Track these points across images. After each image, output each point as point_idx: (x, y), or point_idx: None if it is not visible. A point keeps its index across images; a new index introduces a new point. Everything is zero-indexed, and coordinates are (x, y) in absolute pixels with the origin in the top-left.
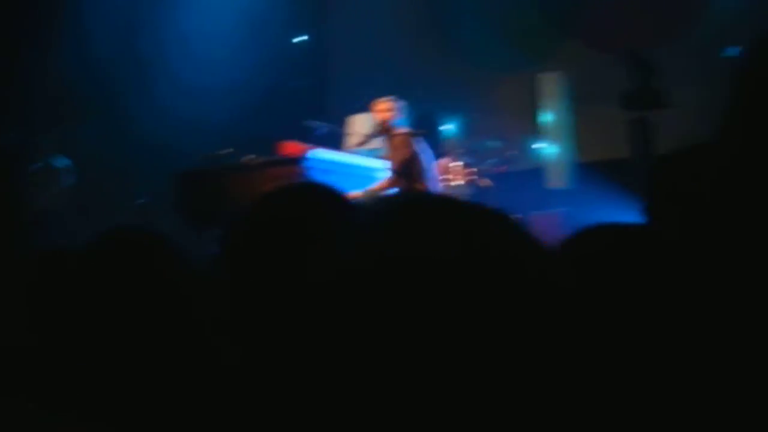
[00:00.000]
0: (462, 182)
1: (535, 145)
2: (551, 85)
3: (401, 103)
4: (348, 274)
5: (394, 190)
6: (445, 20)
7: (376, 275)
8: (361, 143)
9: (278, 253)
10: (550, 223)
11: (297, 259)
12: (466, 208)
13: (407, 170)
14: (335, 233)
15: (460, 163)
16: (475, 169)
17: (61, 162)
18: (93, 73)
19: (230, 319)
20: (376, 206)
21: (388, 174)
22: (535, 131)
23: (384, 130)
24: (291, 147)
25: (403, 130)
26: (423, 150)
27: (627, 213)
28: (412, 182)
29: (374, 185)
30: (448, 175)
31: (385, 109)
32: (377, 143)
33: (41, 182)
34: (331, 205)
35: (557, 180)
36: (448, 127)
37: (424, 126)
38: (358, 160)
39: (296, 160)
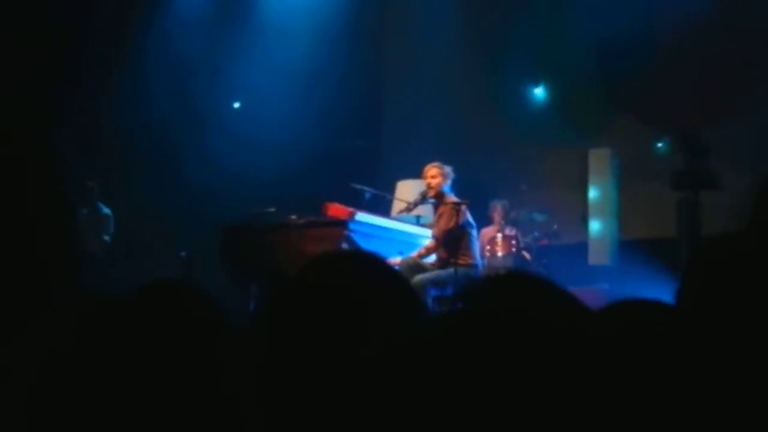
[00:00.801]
0: (505, 253)
1: (580, 221)
2: (601, 161)
3: (449, 169)
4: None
5: (433, 257)
6: (500, 91)
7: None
8: (408, 210)
9: (319, 320)
10: (590, 300)
11: (339, 328)
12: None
13: (450, 239)
14: (389, 309)
15: (504, 234)
16: (518, 242)
17: (105, 210)
18: (147, 121)
19: (261, 383)
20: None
21: (430, 240)
22: (582, 206)
23: (433, 195)
24: (336, 209)
25: (453, 199)
26: (469, 220)
27: (669, 293)
28: (455, 251)
29: (415, 252)
30: (491, 245)
31: (435, 174)
32: (423, 210)
33: (86, 228)
34: (377, 275)
35: (600, 256)
36: (497, 199)
37: (473, 195)
38: (402, 226)
39: (339, 223)
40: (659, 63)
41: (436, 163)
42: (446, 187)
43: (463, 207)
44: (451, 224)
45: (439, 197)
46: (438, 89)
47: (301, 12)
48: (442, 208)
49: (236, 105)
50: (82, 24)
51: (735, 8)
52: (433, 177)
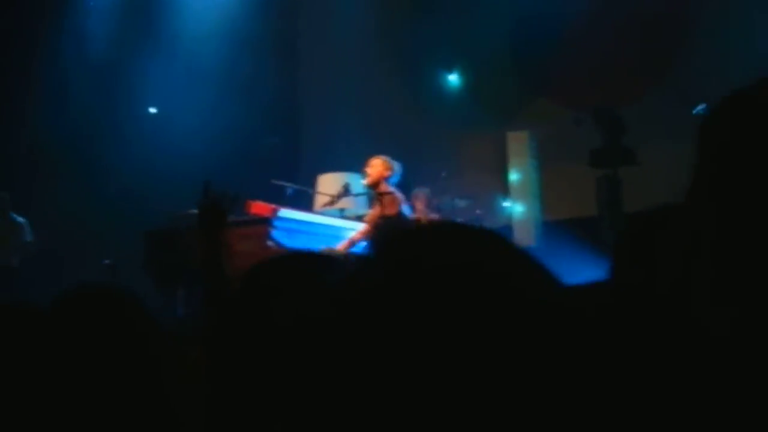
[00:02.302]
0: None
1: (503, 203)
2: (520, 144)
3: (395, 165)
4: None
5: (366, 244)
6: (417, 79)
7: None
8: (331, 203)
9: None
10: None
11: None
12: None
13: (388, 226)
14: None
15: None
16: None
17: (19, 218)
18: (64, 129)
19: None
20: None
21: (364, 226)
22: (504, 189)
23: (370, 183)
24: (259, 207)
25: (393, 190)
26: (406, 211)
27: (594, 270)
28: None
29: (342, 243)
30: None
31: (376, 164)
32: (346, 203)
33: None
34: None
35: (524, 238)
36: (419, 187)
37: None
38: (327, 220)
39: (264, 220)
40: (571, 42)
41: (382, 156)
42: (389, 179)
43: (401, 197)
44: (393, 211)
45: (376, 186)
46: (354, 82)
47: (214, 13)
48: (385, 197)
49: (153, 110)
50: None
51: None
52: (373, 167)
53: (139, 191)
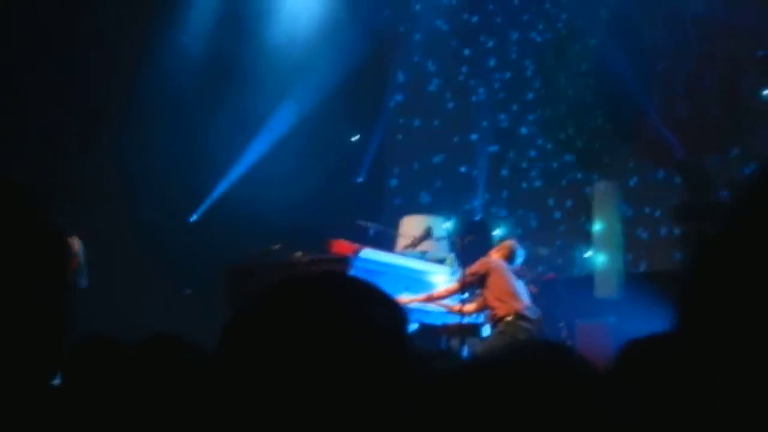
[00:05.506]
0: None
1: (585, 254)
2: (605, 194)
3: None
4: None
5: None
6: (503, 124)
7: None
8: (412, 245)
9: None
10: (597, 333)
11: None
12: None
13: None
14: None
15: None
16: (525, 276)
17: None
18: (148, 159)
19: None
20: None
21: (455, 280)
22: (587, 240)
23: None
24: (341, 245)
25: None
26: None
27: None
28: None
29: (440, 290)
30: None
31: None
32: (428, 246)
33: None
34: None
35: (606, 289)
36: (500, 232)
37: (477, 230)
38: (408, 262)
39: (345, 259)
40: (661, 95)
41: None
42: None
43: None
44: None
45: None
46: (441, 124)
47: (301, 54)
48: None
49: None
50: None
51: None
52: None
53: (221, 223)
